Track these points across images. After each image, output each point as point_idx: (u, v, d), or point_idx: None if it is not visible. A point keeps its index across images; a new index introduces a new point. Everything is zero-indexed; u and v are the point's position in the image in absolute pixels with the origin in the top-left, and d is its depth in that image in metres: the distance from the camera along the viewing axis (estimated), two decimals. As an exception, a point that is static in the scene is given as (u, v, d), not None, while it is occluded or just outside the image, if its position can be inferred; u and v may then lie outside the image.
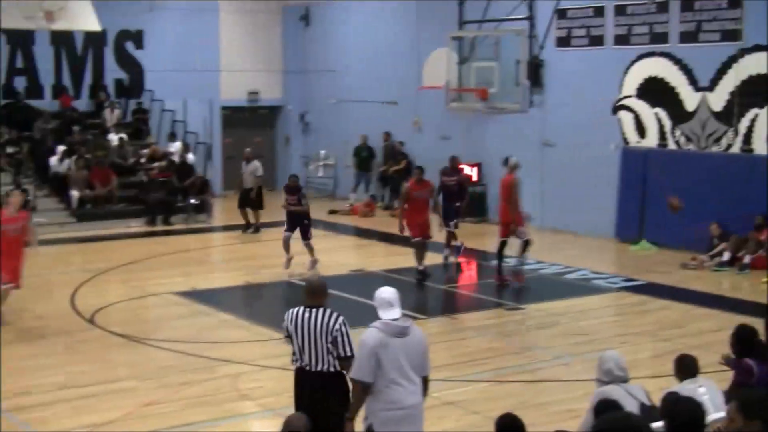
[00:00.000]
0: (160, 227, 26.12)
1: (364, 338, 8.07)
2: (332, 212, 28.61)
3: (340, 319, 8.60)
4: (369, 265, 21.15)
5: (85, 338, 15.08)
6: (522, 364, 13.74)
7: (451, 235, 20.89)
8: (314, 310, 8.63)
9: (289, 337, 8.70)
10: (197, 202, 27.21)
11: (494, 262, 19.34)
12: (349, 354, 8.46)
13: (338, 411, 8.35)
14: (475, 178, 26.44)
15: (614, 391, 7.86)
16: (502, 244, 18.88)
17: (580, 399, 11.14)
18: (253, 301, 18.35)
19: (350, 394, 8.44)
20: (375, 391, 8.03)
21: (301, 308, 8.68)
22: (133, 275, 19.63)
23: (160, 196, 26.60)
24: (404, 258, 20.91)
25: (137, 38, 31.24)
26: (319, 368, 8.55)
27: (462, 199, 21.40)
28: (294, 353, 8.73)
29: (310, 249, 20.00)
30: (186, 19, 31.57)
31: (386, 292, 8.26)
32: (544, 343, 14.93)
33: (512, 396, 12.19)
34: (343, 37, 31.56)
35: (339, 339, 8.49)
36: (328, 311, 8.64)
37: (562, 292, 18.25)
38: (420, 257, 19.05)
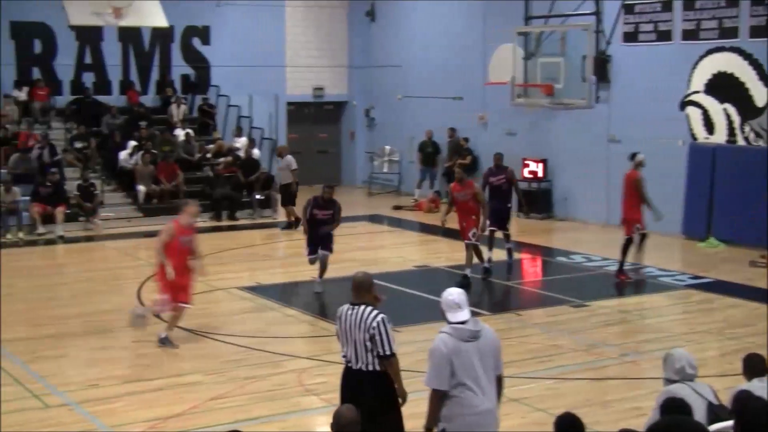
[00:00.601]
0: (225, 222, 26.30)
1: (436, 345, 7.83)
2: (397, 208, 28.62)
3: (379, 317, 8.52)
4: (433, 261, 21.12)
5: (152, 332, 15.19)
6: (587, 361, 13.63)
7: (506, 237, 20.07)
8: (357, 307, 8.63)
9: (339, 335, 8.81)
10: (262, 197, 27.33)
11: (617, 261, 18.78)
12: (388, 353, 8.51)
13: (380, 410, 8.43)
14: (540, 174, 26.28)
15: (682, 390, 7.74)
16: (628, 242, 18.42)
17: (646, 397, 11.04)
18: (318, 296, 18.38)
19: (398, 395, 8.66)
20: (448, 397, 7.85)
21: (348, 305, 8.72)
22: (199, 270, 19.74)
23: (225, 191, 26.77)
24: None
25: (204, 34, 31.47)
26: (359, 366, 8.59)
27: (508, 200, 20.08)
28: (342, 350, 8.80)
29: (325, 265, 17.72)
30: (252, 15, 31.73)
31: (453, 294, 7.97)
32: (610, 340, 14.79)
33: (577, 393, 12.11)
34: (409, 32, 31.53)
35: (377, 337, 8.48)
36: (368, 309, 8.59)
37: (628, 289, 18.09)
38: (469, 258, 18.29)
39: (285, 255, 23.15)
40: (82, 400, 11.89)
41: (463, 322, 7.89)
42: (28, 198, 24.23)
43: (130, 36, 30.12)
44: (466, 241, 18.26)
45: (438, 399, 7.85)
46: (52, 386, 12.44)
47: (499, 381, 8.19)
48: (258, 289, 18.09)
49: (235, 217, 26.65)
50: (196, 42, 31.45)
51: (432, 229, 25.27)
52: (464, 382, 7.81)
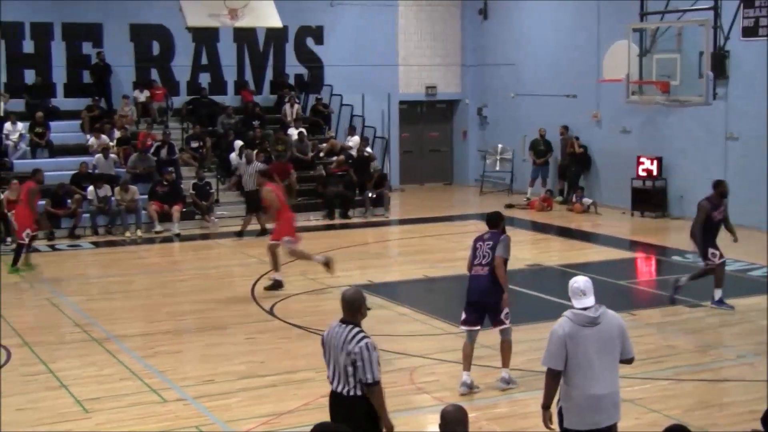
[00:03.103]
0: (338, 220, 26.46)
1: (554, 328, 8.13)
2: (509, 206, 28.45)
3: (363, 342, 7.97)
4: (545, 260, 20.97)
5: (265, 329, 15.38)
6: (703, 362, 13.41)
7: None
8: (344, 326, 8.14)
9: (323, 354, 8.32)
10: (375, 195, 27.43)
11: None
12: (370, 380, 7.99)
13: None
14: (655, 172, 25.90)
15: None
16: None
17: (764, 400, 10.82)
18: (430, 295, 18.37)
19: (384, 427, 8.25)
20: (567, 378, 8.12)
21: (336, 322, 8.26)
22: (312, 268, 19.87)
23: (338, 189, 26.93)
24: (580, 253, 20.71)
25: (317, 34, 31.72)
26: (339, 389, 8.15)
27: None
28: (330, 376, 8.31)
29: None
30: (365, 14, 31.89)
31: (579, 282, 8.23)
32: (727, 341, 14.53)
33: (692, 395, 11.92)
34: (522, 30, 31.36)
35: (359, 363, 7.96)
36: (355, 330, 8.07)
37: (745, 290, 17.69)
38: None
39: (397, 253, 23.19)
40: (198, 395, 12.08)
41: (585, 309, 8.11)
42: (146, 197, 24.74)
43: (245, 36, 30.54)
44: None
45: (552, 378, 8.14)
46: (170, 381, 12.67)
47: (629, 363, 8.52)
48: (370, 287, 18.13)
49: (348, 215, 26.80)
50: (310, 42, 31.72)
51: (544, 228, 25.11)
52: (578, 366, 8.06)
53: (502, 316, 12.31)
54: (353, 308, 8.18)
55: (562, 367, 8.06)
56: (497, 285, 12.17)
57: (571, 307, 8.19)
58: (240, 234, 23.86)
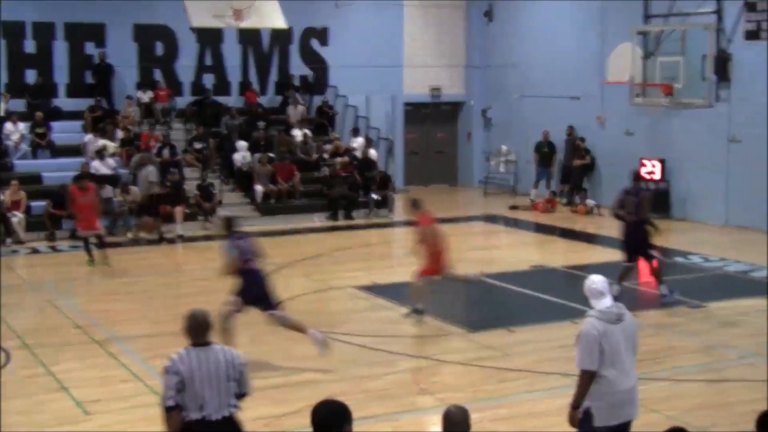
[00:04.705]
0: (342, 222, 26.49)
1: (586, 329, 8.20)
2: (513, 208, 28.53)
3: (239, 352, 8.04)
4: (549, 261, 21.00)
5: (268, 330, 15.39)
6: (704, 363, 13.45)
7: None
8: (208, 348, 7.86)
9: (181, 383, 7.63)
10: (379, 197, 27.48)
11: None
12: (247, 391, 8.06)
13: None
14: (658, 174, 25.93)
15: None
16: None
17: (766, 401, 10.84)
18: (433, 297, 18.40)
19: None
20: (596, 377, 8.20)
21: (190, 350, 7.81)
22: (316, 269, 19.95)
23: (342, 191, 26.97)
24: (584, 255, 20.75)
25: (322, 35, 31.76)
26: (222, 415, 7.80)
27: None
28: (178, 404, 7.64)
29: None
30: (370, 16, 31.93)
31: (597, 282, 8.41)
32: (728, 342, 14.55)
33: (694, 395, 11.96)
34: (527, 32, 31.39)
35: (245, 374, 7.95)
36: (221, 346, 7.99)
37: (746, 291, 17.74)
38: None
39: (401, 255, 23.22)
40: (200, 396, 12.09)
41: (608, 307, 8.30)
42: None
43: (249, 37, 30.57)
44: None
45: (588, 379, 8.19)
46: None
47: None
48: (374, 289, 18.21)
49: (352, 216, 26.84)
50: (315, 43, 31.75)
51: (548, 230, 25.15)
52: (611, 363, 8.18)
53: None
54: (208, 328, 8.00)
55: (597, 367, 8.16)
56: None
57: (586, 308, 8.30)
58: (160, 240, 23.51)
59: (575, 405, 8.28)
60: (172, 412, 7.59)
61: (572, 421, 8.31)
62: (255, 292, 13.41)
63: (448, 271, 16.00)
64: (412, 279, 15.97)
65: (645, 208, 16.85)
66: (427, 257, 15.79)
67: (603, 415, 8.23)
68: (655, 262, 16.99)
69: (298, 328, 13.45)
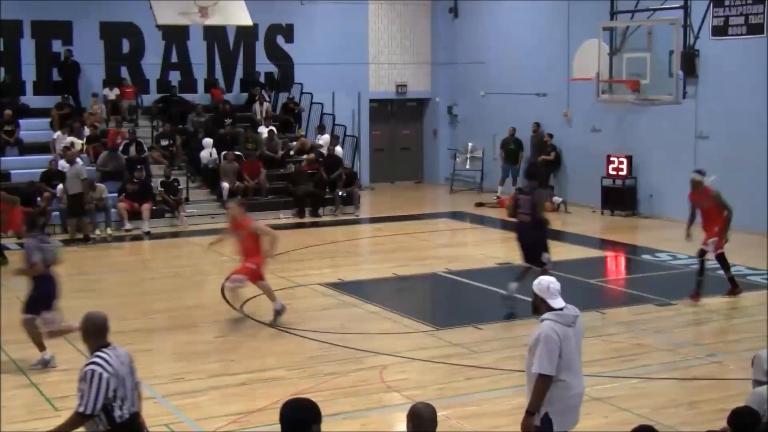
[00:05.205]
0: (308, 219, 26.43)
1: (548, 333, 7.92)
2: (479, 205, 28.54)
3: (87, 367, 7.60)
4: (515, 258, 20.93)
5: (236, 327, 15.32)
6: (673, 361, 13.44)
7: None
8: (114, 348, 7.74)
9: (116, 386, 7.57)
10: (345, 194, 27.41)
11: None
12: (139, 382, 8.02)
13: None
14: (625, 171, 25.99)
15: (771, 392, 7.60)
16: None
17: (733, 399, 10.81)
18: (400, 293, 18.37)
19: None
20: (553, 382, 7.98)
21: (102, 352, 7.61)
22: (282, 266, 19.84)
23: (308, 188, 26.89)
24: (551, 251, 20.78)
25: (288, 32, 31.67)
26: (135, 410, 7.85)
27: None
28: (119, 406, 7.62)
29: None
30: (335, 13, 31.89)
31: (554, 282, 8.16)
32: (697, 340, 14.59)
33: (662, 394, 11.95)
34: (492, 28, 31.40)
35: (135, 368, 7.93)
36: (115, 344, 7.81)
37: (715, 288, 17.76)
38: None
39: (367, 252, 23.18)
40: (167, 393, 12.02)
41: (562, 308, 8.08)
42: (115, 195, 24.63)
43: (215, 34, 30.45)
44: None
45: (547, 384, 7.94)
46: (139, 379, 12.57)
47: None
48: (340, 286, 18.15)
49: (318, 213, 26.77)
50: (280, 40, 31.67)
51: (514, 227, 25.11)
52: (567, 367, 8.00)
53: None
54: (106, 329, 7.80)
55: (555, 371, 7.93)
56: None
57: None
58: (85, 240, 23.02)
59: (532, 411, 7.99)
60: (91, 418, 7.44)
61: (527, 427, 8.00)
62: (50, 298, 13.32)
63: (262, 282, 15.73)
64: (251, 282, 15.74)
65: (539, 208, 16.17)
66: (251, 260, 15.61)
67: (560, 421, 8.03)
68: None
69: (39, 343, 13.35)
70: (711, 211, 16.69)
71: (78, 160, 23.89)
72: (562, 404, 8.03)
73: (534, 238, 16.14)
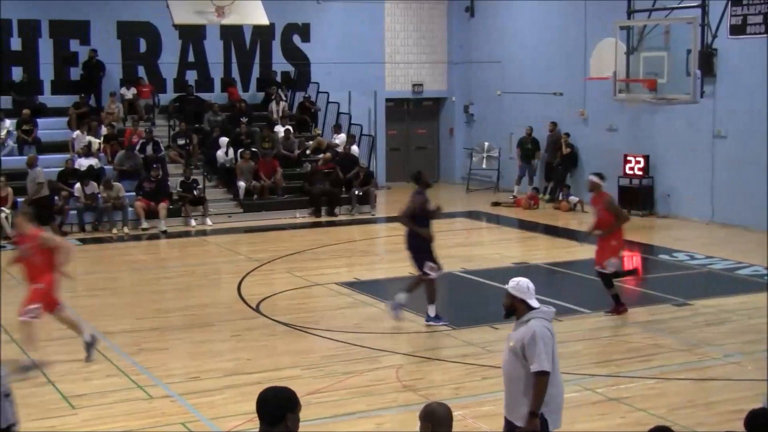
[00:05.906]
0: (324, 218, 26.42)
1: (542, 331, 7.93)
2: (495, 204, 28.49)
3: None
4: (532, 258, 20.96)
5: (252, 326, 15.33)
6: (690, 361, 13.39)
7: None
8: None
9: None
10: (361, 193, 27.41)
11: None
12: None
13: None
14: (642, 170, 25.90)
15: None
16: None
17: (751, 399, 10.78)
18: (416, 293, 18.33)
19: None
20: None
21: None
22: (298, 265, 19.88)
23: (324, 187, 26.89)
24: (566, 252, 20.70)
25: (304, 31, 31.68)
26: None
27: None
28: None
29: None
30: (352, 12, 31.88)
31: (530, 282, 8.18)
32: (714, 340, 14.51)
33: (679, 394, 11.90)
34: (509, 27, 31.35)
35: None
36: None
37: (732, 289, 17.69)
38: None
39: (383, 251, 23.17)
40: (184, 392, 12.05)
41: (538, 308, 8.09)
42: (132, 193, 24.72)
43: (231, 34, 30.49)
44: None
45: (547, 382, 7.93)
46: (156, 378, 12.63)
47: None
48: (356, 285, 18.14)
49: (334, 213, 26.77)
50: (297, 39, 31.67)
51: (531, 226, 25.11)
52: (555, 364, 8.03)
53: None
54: None
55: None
56: None
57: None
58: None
59: (537, 411, 7.91)
60: None
61: (534, 428, 7.90)
62: None
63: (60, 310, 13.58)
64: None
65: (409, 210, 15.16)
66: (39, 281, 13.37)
67: (553, 420, 8.03)
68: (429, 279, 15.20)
69: None
70: (605, 216, 15.70)
71: (37, 164, 23.89)
72: (555, 403, 8.04)
73: (418, 246, 15.22)
